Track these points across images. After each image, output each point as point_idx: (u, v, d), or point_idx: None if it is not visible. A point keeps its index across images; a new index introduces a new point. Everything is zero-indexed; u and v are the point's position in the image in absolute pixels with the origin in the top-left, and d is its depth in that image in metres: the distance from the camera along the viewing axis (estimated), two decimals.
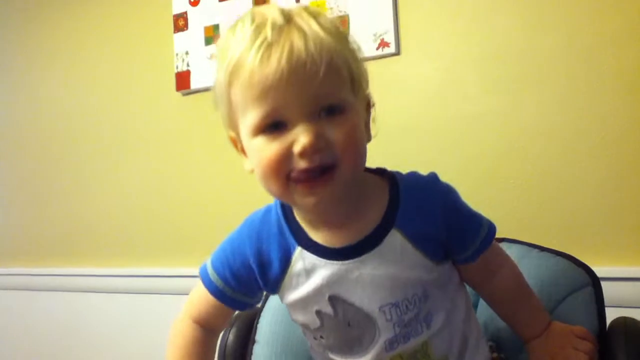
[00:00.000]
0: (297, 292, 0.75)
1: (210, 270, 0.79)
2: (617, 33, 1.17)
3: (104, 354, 1.82)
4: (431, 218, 0.73)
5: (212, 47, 1.67)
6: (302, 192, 0.67)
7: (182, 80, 1.73)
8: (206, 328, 0.81)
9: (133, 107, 1.82)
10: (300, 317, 0.78)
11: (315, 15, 0.68)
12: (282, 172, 0.66)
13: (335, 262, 0.72)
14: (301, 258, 0.74)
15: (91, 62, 1.91)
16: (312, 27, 0.65)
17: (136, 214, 1.81)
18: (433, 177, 0.77)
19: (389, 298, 0.72)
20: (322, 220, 0.73)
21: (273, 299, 1.05)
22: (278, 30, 0.64)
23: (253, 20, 0.66)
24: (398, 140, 1.35)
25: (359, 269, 0.72)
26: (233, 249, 0.78)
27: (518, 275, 0.81)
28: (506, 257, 0.82)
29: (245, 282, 0.77)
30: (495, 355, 0.88)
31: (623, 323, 0.80)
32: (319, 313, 0.75)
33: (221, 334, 1.03)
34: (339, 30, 0.70)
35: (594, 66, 1.19)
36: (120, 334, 1.81)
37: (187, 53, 1.72)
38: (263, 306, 1.05)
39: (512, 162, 1.24)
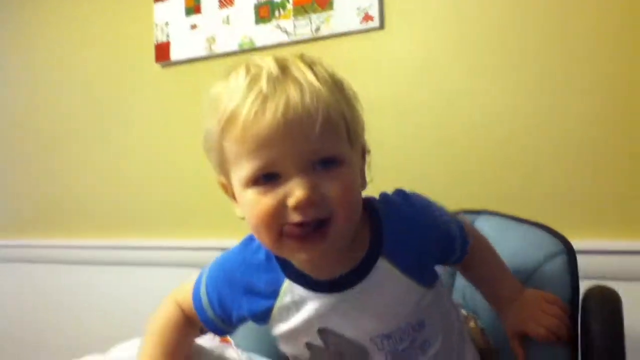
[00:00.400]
0: (287, 324, 0.74)
1: (202, 288, 0.78)
2: (593, 16, 1.19)
3: (96, 327, 1.81)
4: (414, 244, 0.73)
5: (193, 18, 1.65)
6: (293, 248, 0.66)
7: (162, 52, 1.70)
8: (188, 317, 0.80)
9: (112, 78, 1.80)
10: (290, 349, 0.77)
11: (310, 65, 0.67)
12: (275, 225, 0.64)
13: (324, 294, 0.71)
14: (290, 291, 0.73)
15: (70, 33, 1.87)
16: (307, 77, 0.64)
17: (120, 185, 1.80)
18: (410, 198, 0.76)
19: (381, 329, 0.72)
20: None
21: None
22: (273, 81, 0.63)
23: (248, 70, 0.66)
24: (379, 114, 1.36)
25: (348, 300, 0.71)
26: (226, 277, 0.77)
27: (493, 251, 0.84)
28: (480, 237, 0.84)
29: (227, 312, 0.76)
30: (473, 324, 0.90)
31: (598, 290, 0.82)
32: (309, 345, 0.74)
33: None
34: (335, 78, 0.69)
35: (571, 46, 1.21)
36: (111, 306, 1.81)
37: (167, 24, 1.70)
38: None
39: (492, 138, 1.26)
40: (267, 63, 0.66)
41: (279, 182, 0.64)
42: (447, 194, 1.25)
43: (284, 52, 0.70)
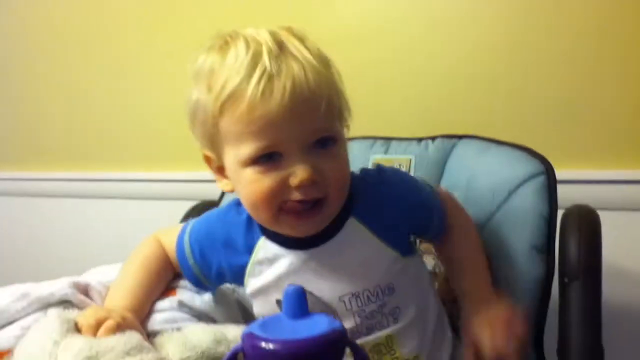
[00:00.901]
0: (259, 280, 0.75)
1: (186, 237, 0.79)
2: None
3: (71, 259, 1.77)
4: (385, 207, 0.74)
5: None
6: (290, 223, 0.68)
7: None
8: (168, 258, 0.81)
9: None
10: (261, 308, 0.77)
11: (302, 40, 0.67)
12: (274, 204, 0.66)
13: (295, 251, 0.73)
14: (264, 247, 0.74)
15: None
16: (305, 55, 0.65)
17: (91, 117, 1.73)
18: (385, 174, 0.78)
19: (349, 288, 0.72)
20: None
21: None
22: (275, 59, 0.63)
23: (247, 46, 0.64)
24: (356, 39, 1.31)
25: (318, 258, 0.72)
26: (208, 231, 0.79)
27: (476, 245, 0.80)
28: (467, 225, 0.81)
29: (208, 264, 0.78)
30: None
31: (577, 209, 0.82)
32: (279, 302, 0.74)
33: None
34: (324, 55, 0.69)
35: None
36: (86, 239, 1.78)
37: None
38: (220, 198, 1.04)
39: (474, 61, 1.22)
40: (263, 38, 0.65)
41: (280, 161, 0.65)
42: (430, 119, 1.24)
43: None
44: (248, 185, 0.67)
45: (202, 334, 0.66)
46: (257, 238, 0.75)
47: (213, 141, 0.69)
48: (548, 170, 0.86)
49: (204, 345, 0.64)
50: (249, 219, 0.75)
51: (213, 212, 0.82)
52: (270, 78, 0.62)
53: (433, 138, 1.01)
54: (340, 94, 0.70)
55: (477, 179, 0.90)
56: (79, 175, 1.75)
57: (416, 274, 0.77)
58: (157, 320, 0.71)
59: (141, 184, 1.64)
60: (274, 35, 0.66)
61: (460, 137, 0.99)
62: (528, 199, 0.84)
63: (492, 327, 0.70)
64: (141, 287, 0.75)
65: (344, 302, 0.72)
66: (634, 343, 1.09)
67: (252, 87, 0.61)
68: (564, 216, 0.82)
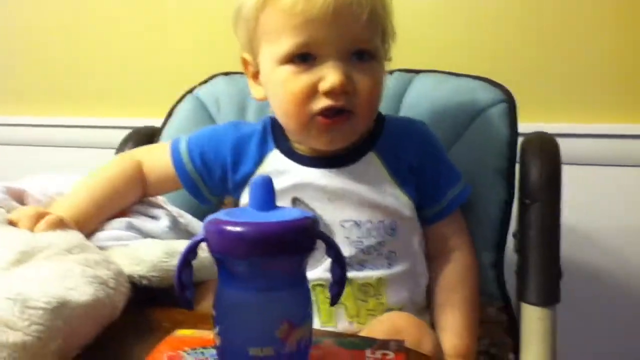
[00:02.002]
0: None
1: (182, 144, 0.78)
2: None
3: None
4: (409, 150, 0.74)
5: None
6: (319, 130, 0.68)
7: None
8: (144, 177, 0.78)
9: None
10: None
11: None
12: (305, 107, 0.66)
13: (307, 167, 0.72)
14: (275, 159, 0.74)
15: None
16: None
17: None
18: (420, 121, 0.78)
19: (352, 215, 0.71)
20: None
21: (174, 118, 0.98)
22: None
23: None
24: None
25: (329, 178, 0.72)
26: (212, 134, 0.79)
27: (471, 269, 0.76)
28: (466, 243, 0.77)
29: (209, 168, 0.77)
30: None
31: (537, 135, 0.83)
32: None
33: (116, 150, 0.97)
34: None
35: None
36: None
37: None
38: (164, 124, 0.99)
39: None
40: None
41: (314, 64, 0.65)
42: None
43: None
44: (280, 84, 0.67)
45: (151, 247, 0.61)
46: (270, 149, 0.75)
47: (251, 40, 0.70)
48: (508, 98, 0.85)
49: (154, 258, 0.60)
50: (264, 131, 0.76)
51: (216, 125, 0.83)
52: None
53: (391, 72, 0.98)
54: (387, 14, 0.70)
55: (438, 108, 0.88)
56: None
57: (416, 231, 0.75)
58: (100, 237, 0.66)
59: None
60: None
61: (418, 71, 0.97)
62: (490, 125, 0.83)
63: None
64: (93, 203, 0.70)
65: (344, 227, 0.71)
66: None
67: None
68: (525, 141, 0.82)
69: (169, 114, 0.99)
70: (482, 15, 1.15)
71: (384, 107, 0.93)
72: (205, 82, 1.02)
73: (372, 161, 0.73)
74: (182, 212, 0.82)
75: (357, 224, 0.72)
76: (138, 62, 1.41)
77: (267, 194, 0.45)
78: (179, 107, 0.99)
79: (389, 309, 0.71)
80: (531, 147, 0.79)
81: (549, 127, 0.92)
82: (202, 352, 0.49)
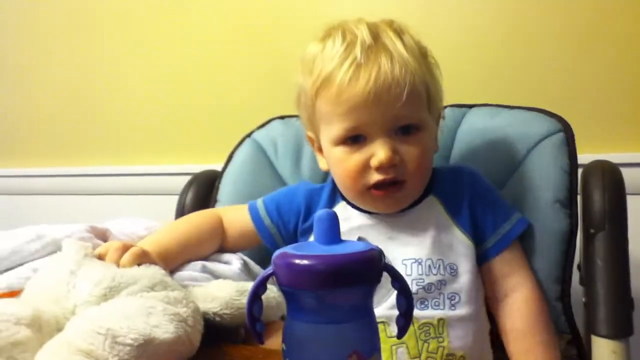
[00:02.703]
0: None
1: (259, 202, 0.86)
2: None
3: None
4: (462, 193, 0.78)
5: None
6: (375, 199, 0.74)
7: None
8: (224, 230, 0.85)
9: None
10: None
11: (399, 34, 0.73)
12: (360, 181, 0.72)
13: (370, 215, 0.78)
14: (343, 208, 0.80)
15: None
16: (397, 48, 0.71)
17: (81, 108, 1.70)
18: (467, 166, 0.83)
19: (413, 253, 0.74)
20: None
21: (234, 161, 1.01)
22: (367, 50, 0.70)
23: (344, 37, 0.72)
24: None
25: (390, 224, 0.77)
26: (286, 191, 0.88)
27: (540, 305, 0.74)
28: (528, 279, 0.76)
29: (284, 219, 0.83)
30: None
31: (599, 163, 0.81)
32: None
33: (180, 194, 1.00)
34: (421, 47, 0.75)
35: None
36: None
37: None
38: (225, 167, 1.02)
39: (480, 31, 1.20)
40: (361, 31, 0.72)
41: (364, 143, 0.71)
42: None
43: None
44: (337, 163, 0.74)
45: (224, 286, 0.64)
46: (338, 201, 0.82)
47: (312, 121, 0.78)
48: (566, 128, 0.84)
49: (227, 296, 0.62)
50: (334, 186, 0.82)
51: (289, 185, 0.93)
52: (359, 66, 0.69)
53: (443, 108, 0.99)
54: (432, 84, 0.75)
55: (492, 140, 0.88)
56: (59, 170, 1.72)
57: (477, 276, 0.75)
58: (177, 277, 0.68)
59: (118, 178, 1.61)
60: (371, 28, 0.72)
61: (470, 106, 0.97)
62: (547, 155, 0.82)
63: None
64: (177, 244, 0.76)
65: (405, 265, 0.73)
66: None
67: (342, 74, 0.69)
68: (586, 169, 0.80)
69: (229, 158, 1.02)
70: (532, 45, 1.15)
71: (438, 143, 0.94)
72: (262, 125, 1.05)
73: (432, 204, 0.78)
74: (251, 261, 0.85)
75: (418, 262, 0.73)
76: (197, 110, 1.47)
77: (332, 227, 0.47)
78: (238, 150, 1.03)
79: (450, 354, 0.71)
80: (594, 175, 0.77)
81: (610, 157, 0.88)
82: None
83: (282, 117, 1.04)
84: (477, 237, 0.76)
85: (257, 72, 1.37)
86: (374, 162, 0.70)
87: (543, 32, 1.14)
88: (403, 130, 0.71)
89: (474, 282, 0.74)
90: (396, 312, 0.68)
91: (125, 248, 0.63)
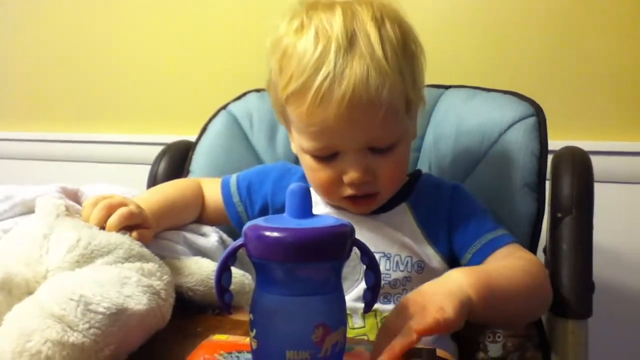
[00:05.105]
0: None
1: (232, 179, 0.85)
2: None
3: None
4: (439, 213, 0.75)
5: None
6: (348, 205, 0.73)
7: None
8: (203, 199, 0.84)
9: None
10: None
11: (379, 23, 0.66)
12: (332, 191, 0.71)
13: (341, 209, 0.76)
14: (313, 194, 0.75)
15: None
16: (375, 53, 0.64)
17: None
18: (454, 184, 0.79)
19: (382, 247, 0.73)
20: None
21: (209, 133, 1.01)
22: (342, 57, 0.63)
23: (317, 38, 0.65)
24: None
25: (361, 219, 0.74)
26: (260, 170, 0.86)
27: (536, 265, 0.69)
28: (534, 259, 0.70)
29: (252, 199, 0.82)
30: None
31: (569, 149, 0.82)
32: None
33: (152, 163, 0.99)
34: (404, 35, 0.68)
35: None
36: None
37: None
38: (199, 138, 1.01)
39: (464, 11, 1.20)
40: (335, 28, 0.65)
41: (336, 157, 0.69)
42: None
43: None
44: (308, 170, 0.73)
45: (204, 264, 0.64)
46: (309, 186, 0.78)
47: (283, 116, 0.74)
48: (538, 112, 0.85)
49: (204, 273, 0.62)
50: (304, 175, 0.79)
51: (266, 164, 0.91)
52: (332, 84, 0.63)
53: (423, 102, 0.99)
54: (412, 87, 0.69)
55: (466, 123, 0.88)
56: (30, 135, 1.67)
57: None
58: (158, 245, 0.68)
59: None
60: (346, 21, 0.65)
61: (447, 87, 0.98)
62: (519, 139, 0.83)
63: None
64: (165, 205, 0.75)
65: None
66: None
67: (313, 92, 0.64)
68: (557, 155, 0.81)
69: (203, 129, 1.01)
70: (513, 30, 1.15)
71: None
72: (238, 98, 1.04)
73: (404, 212, 0.76)
74: (227, 237, 0.85)
75: (386, 257, 0.73)
76: (172, 79, 1.45)
77: (304, 202, 0.47)
78: (213, 122, 1.02)
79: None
80: (563, 161, 0.79)
81: (580, 145, 0.89)
82: (237, 357, 0.50)
83: (258, 90, 1.03)
84: (453, 254, 0.74)
85: (234, 43, 1.34)
86: (346, 180, 0.69)
87: (525, 17, 1.15)
88: (375, 149, 0.68)
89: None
90: (360, 305, 0.68)
91: (113, 207, 0.62)
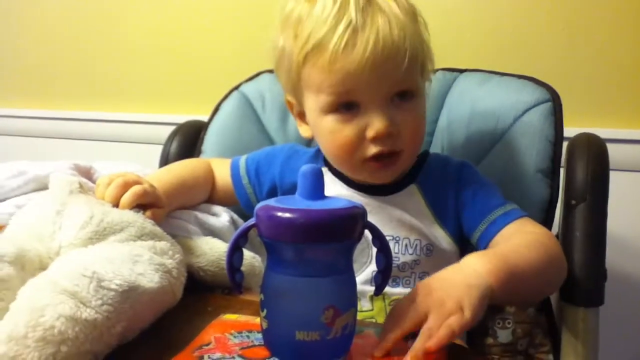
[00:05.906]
0: None
1: (242, 160, 0.84)
2: None
3: None
4: (447, 191, 0.74)
5: None
6: (371, 171, 0.70)
7: None
8: (213, 179, 0.85)
9: None
10: None
11: None
12: (355, 153, 0.68)
13: (352, 189, 0.75)
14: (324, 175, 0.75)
15: None
16: (392, 9, 0.65)
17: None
18: (461, 161, 0.78)
19: (391, 231, 0.72)
20: None
21: (221, 113, 1.00)
22: (362, 11, 0.64)
23: None
24: None
25: (372, 202, 0.73)
26: (269, 151, 0.85)
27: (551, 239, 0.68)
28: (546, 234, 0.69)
29: (261, 181, 0.82)
30: None
31: (584, 136, 0.81)
32: None
33: (164, 143, 0.99)
34: (412, 6, 0.70)
35: None
36: None
37: None
38: (211, 119, 1.01)
39: None
40: None
41: (358, 112, 0.67)
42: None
43: None
44: (328, 134, 0.69)
45: (216, 245, 0.64)
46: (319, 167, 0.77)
47: (294, 88, 0.72)
48: (554, 98, 0.84)
49: (216, 254, 0.62)
50: (317, 152, 0.79)
51: (276, 145, 0.89)
52: (355, 31, 0.63)
53: (434, 71, 0.98)
54: (425, 47, 0.71)
55: (480, 106, 0.87)
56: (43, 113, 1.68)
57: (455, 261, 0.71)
58: (170, 224, 0.68)
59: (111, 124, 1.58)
60: None
61: (462, 70, 0.96)
62: (534, 124, 0.82)
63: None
64: (177, 184, 0.75)
65: None
66: None
67: (336, 39, 0.63)
68: (572, 141, 0.80)
69: (216, 109, 1.01)
70: (529, 16, 1.13)
71: (427, 107, 0.93)
72: (251, 78, 1.04)
73: (413, 193, 0.75)
74: (238, 217, 0.85)
75: (395, 240, 0.72)
76: (185, 59, 1.44)
77: (316, 183, 0.47)
78: (225, 102, 1.01)
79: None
80: (578, 147, 0.77)
81: (596, 132, 0.87)
82: (248, 336, 0.50)
83: (271, 71, 1.02)
84: (463, 233, 0.74)
85: (247, 23, 1.34)
86: (370, 133, 0.66)
87: (543, 3, 1.13)
88: (400, 97, 0.67)
89: (447, 263, 0.71)
90: (368, 288, 0.70)
91: (127, 185, 0.62)
